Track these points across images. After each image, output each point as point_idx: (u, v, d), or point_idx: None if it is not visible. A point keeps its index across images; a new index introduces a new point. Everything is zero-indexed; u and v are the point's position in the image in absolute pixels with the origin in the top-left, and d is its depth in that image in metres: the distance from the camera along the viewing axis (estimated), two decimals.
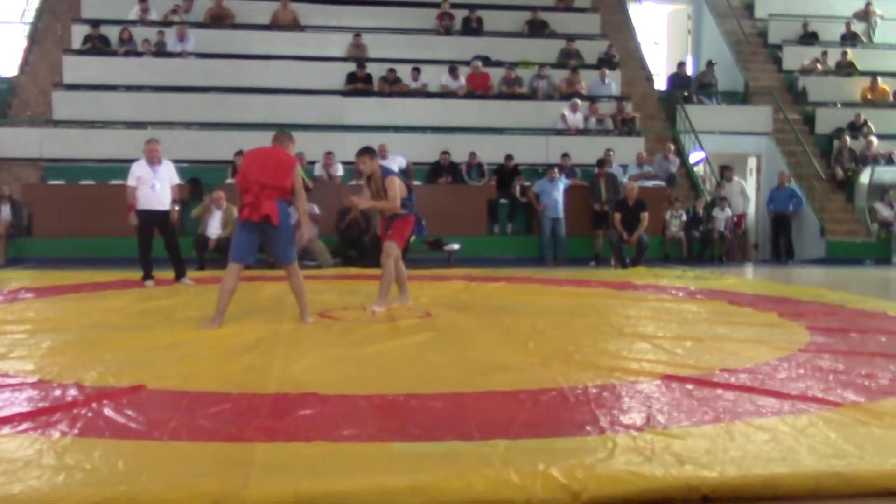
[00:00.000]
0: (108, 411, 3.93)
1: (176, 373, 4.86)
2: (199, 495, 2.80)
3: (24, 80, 17.62)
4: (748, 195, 17.05)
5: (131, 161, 10.03)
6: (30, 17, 19.98)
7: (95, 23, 17.32)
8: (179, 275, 10.19)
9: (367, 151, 7.62)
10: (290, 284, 6.95)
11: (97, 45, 17.07)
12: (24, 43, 18.95)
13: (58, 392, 4.35)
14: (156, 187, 9.79)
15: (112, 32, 17.25)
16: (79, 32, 17.43)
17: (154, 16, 18.16)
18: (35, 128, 16.17)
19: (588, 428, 3.72)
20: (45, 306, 8.14)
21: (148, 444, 3.48)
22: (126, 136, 14.78)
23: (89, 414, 3.89)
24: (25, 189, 14.53)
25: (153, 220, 9.88)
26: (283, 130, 7.15)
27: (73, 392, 4.34)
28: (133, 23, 17.76)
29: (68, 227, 13.84)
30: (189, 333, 6.36)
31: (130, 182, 9.80)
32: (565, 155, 15.55)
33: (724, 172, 16.95)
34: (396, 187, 7.58)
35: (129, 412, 3.92)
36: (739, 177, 17.27)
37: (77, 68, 16.74)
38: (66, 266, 12.24)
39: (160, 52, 17.12)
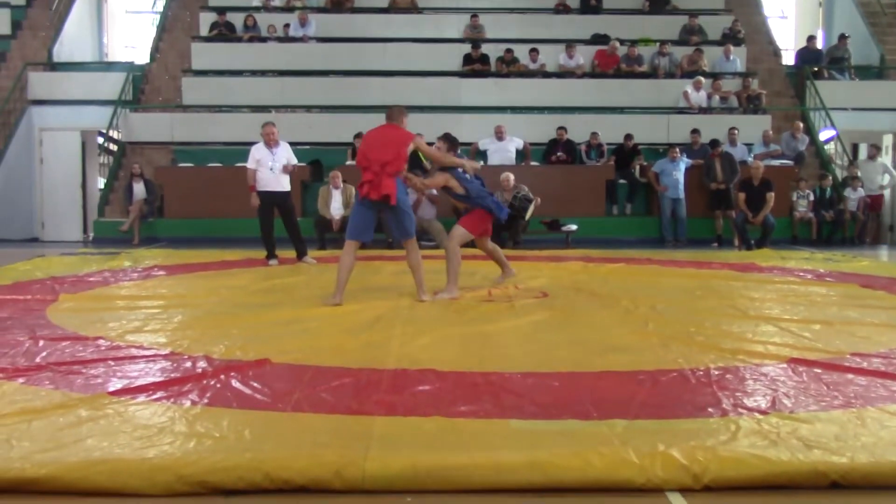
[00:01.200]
0: (235, 383, 4.08)
1: (298, 347, 4.99)
2: (321, 464, 2.87)
3: (155, 68, 18.37)
4: (894, 173, 16.11)
5: (255, 143, 10.31)
6: (160, 6, 20.89)
7: (221, 10, 17.87)
8: (301, 254, 10.43)
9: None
10: (408, 260, 7.04)
11: (223, 32, 17.62)
12: (154, 31, 19.80)
13: (188, 364, 4.54)
14: (274, 169, 10.03)
15: (237, 19, 17.78)
16: (206, 20, 18.04)
17: (277, 2, 18.62)
18: (166, 112, 16.86)
19: (710, 410, 3.64)
20: (176, 283, 8.49)
21: (272, 414, 3.60)
22: (250, 119, 15.18)
23: (218, 385, 4.04)
24: (158, 172, 15.15)
25: (273, 200, 10.13)
26: (395, 105, 7.14)
27: (202, 364, 4.52)
28: (257, 9, 18.26)
29: (197, 208, 14.40)
30: (311, 310, 6.51)
31: (250, 165, 10.10)
32: (695, 132, 15.09)
33: (869, 150, 16.12)
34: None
35: (255, 384, 4.05)
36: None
37: (204, 54, 17.36)
38: (195, 245, 12.73)
39: (283, 37, 17.55)
